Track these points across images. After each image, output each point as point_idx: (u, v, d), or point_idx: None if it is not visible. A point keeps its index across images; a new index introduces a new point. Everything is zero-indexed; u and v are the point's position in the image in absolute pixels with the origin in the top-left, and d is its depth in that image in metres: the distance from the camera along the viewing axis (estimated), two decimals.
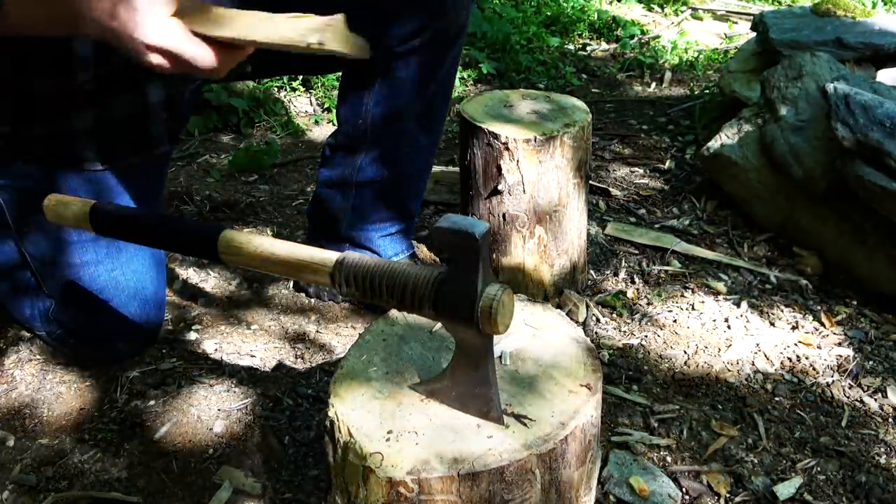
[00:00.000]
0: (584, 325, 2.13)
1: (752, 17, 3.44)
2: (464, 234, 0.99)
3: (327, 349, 2.02)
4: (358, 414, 1.12)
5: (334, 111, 3.55)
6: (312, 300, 2.21)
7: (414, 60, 1.92)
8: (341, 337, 2.06)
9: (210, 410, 1.80)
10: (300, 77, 3.71)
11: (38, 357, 1.95)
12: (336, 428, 1.10)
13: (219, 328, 2.09)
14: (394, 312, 1.34)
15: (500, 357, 1.23)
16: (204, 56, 1.17)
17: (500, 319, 1.03)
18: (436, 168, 3.02)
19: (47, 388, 1.86)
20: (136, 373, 1.90)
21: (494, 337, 1.08)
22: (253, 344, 2.03)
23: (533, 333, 1.30)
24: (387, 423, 1.11)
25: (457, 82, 3.93)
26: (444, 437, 1.09)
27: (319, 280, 1.14)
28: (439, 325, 1.30)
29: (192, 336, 2.05)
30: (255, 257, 1.17)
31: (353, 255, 1.12)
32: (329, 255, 1.13)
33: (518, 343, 1.27)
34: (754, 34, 3.40)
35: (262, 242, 1.18)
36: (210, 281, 2.29)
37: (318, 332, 2.09)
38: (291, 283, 2.27)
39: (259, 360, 1.98)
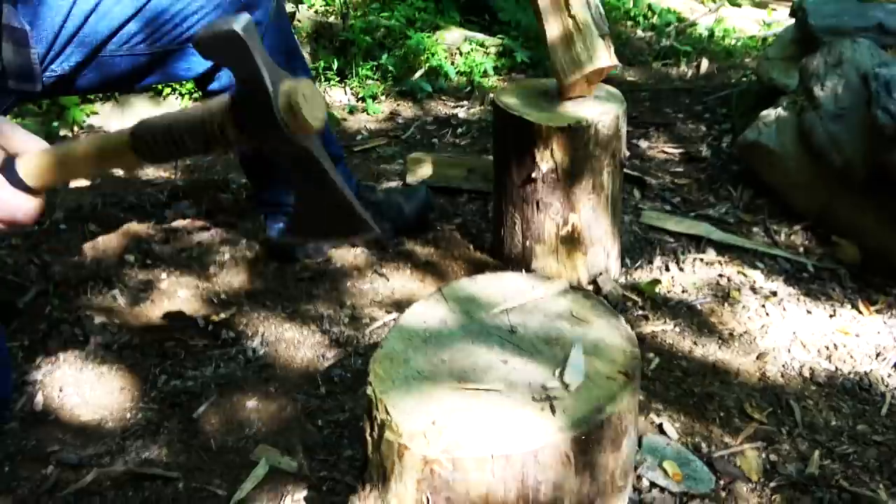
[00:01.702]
0: (619, 312, 2.13)
1: (791, 4, 3.39)
2: (222, 33, 0.90)
3: (363, 333, 2.04)
4: (396, 393, 1.13)
5: (369, 101, 3.58)
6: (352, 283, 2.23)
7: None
8: (377, 321, 2.08)
9: (246, 391, 1.84)
10: (334, 67, 3.74)
11: (81, 338, 1.99)
12: (374, 406, 1.12)
13: (255, 313, 2.12)
14: (435, 296, 1.35)
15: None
16: (27, 209, 1.06)
17: (308, 112, 0.93)
18: (468, 157, 3.02)
19: (89, 368, 1.91)
20: (176, 354, 1.94)
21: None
22: (288, 327, 2.06)
23: (575, 321, 1.31)
24: (424, 403, 1.12)
25: (491, 71, 3.94)
26: (480, 418, 1.10)
27: (128, 163, 1.06)
28: (479, 308, 1.31)
29: (229, 320, 2.08)
30: (55, 170, 1.06)
31: (145, 121, 1.02)
32: (121, 133, 1.03)
33: (560, 329, 1.28)
34: (793, 21, 3.35)
35: (56, 149, 1.07)
36: (244, 267, 2.32)
37: (353, 315, 2.11)
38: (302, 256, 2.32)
39: (294, 343, 2.01)
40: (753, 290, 2.22)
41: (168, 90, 3.49)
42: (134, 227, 2.46)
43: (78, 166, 1.07)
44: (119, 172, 2.90)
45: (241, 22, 0.89)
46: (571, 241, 2.14)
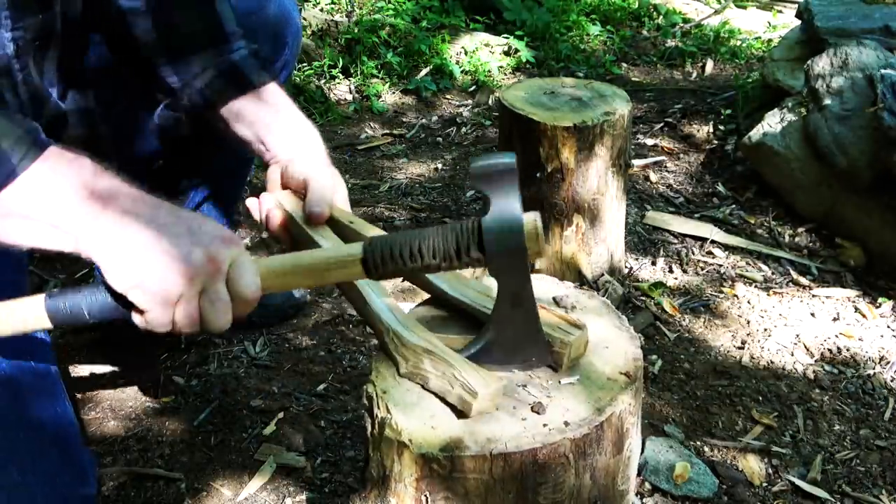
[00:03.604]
0: (622, 312, 2.13)
1: (797, 5, 3.38)
2: (500, 165, 1.01)
3: (367, 332, 2.04)
4: (396, 391, 1.13)
5: (374, 100, 3.58)
6: None
7: None
8: None
9: (249, 392, 1.84)
10: (339, 64, 3.74)
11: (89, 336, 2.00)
12: (374, 404, 1.12)
13: None
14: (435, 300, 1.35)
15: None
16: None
17: (542, 241, 1.04)
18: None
19: (90, 367, 1.90)
20: (180, 355, 1.94)
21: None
22: (291, 326, 2.06)
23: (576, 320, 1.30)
24: (424, 401, 1.12)
25: (495, 70, 3.93)
26: (479, 417, 1.10)
27: (353, 273, 1.08)
28: (482, 310, 1.31)
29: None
30: (272, 277, 1.06)
31: (376, 237, 1.08)
32: (354, 245, 1.08)
33: (563, 329, 1.27)
34: (799, 22, 3.34)
35: (273, 261, 1.07)
36: None
37: (357, 317, 2.11)
38: None
39: (297, 342, 2.01)
40: (757, 291, 2.22)
41: None
42: None
43: (302, 274, 1.09)
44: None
45: (513, 157, 1.00)
46: (575, 241, 2.13)
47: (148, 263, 0.94)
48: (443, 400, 1.11)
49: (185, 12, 1.37)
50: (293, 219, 1.27)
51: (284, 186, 1.32)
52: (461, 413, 1.07)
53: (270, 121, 1.34)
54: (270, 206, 1.28)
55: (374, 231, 1.26)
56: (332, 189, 1.28)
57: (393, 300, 1.21)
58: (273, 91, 1.36)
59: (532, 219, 1.02)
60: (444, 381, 1.09)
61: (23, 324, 1.04)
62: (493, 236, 1.03)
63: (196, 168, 1.82)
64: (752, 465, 1.65)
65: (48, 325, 1.03)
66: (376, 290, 1.20)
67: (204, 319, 0.99)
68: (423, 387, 1.12)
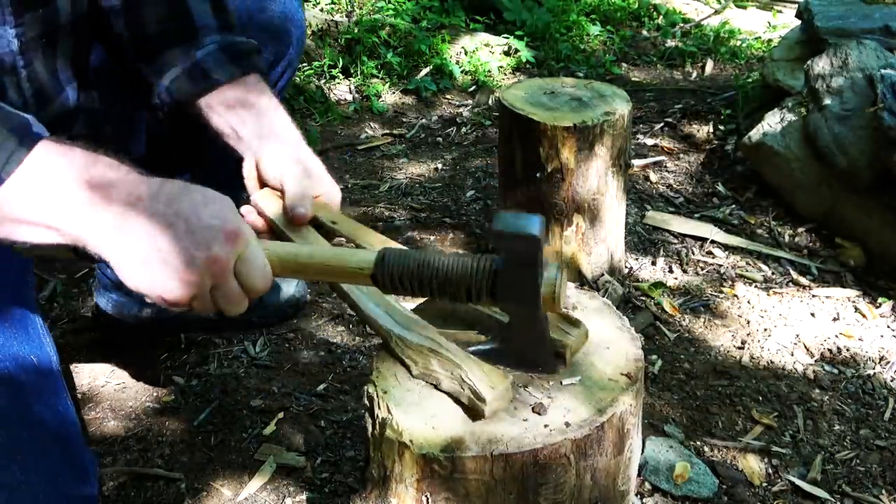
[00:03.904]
0: (622, 313, 2.13)
1: (797, 5, 3.38)
2: (523, 237, 0.98)
3: (367, 332, 2.04)
4: (397, 391, 1.13)
5: (374, 100, 3.58)
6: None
7: None
8: None
9: (250, 392, 1.84)
10: (339, 64, 3.74)
11: (81, 335, 2.00)
12: (375, 404, 1.12)
13: None
14: None
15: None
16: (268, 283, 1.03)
17: (561, 300, 1.03)
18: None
19: (90, 367, 1.90)
20: (180, 355, 1.94)
21: None
22: (291, 326, 2.06)
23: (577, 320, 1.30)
24: (425, 401, 1.12)
25: (495, 70, 3.93)
26: (494, 417, 1.10)
27: (362, 283, 1.08)
28: (482, 307, 1.31)
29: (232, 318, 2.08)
30: (287, 265, 1.07)
31: (392, 252, 1.06)
32: (367, 256, 1.06)
33: (563, 330, 1.27)
34: (799, 22, 3.34)
35: (290, 249, 1.09)
36: None
37: (357, 317, 2.11)
38: None
39: (297, 342, 2.01)
40: (757, 291, 2.22)
41: None
42: None
43: (311, 271, 1.09)
44: None
45: (538, 226, 0.97)
46: (575, 241, 2.13)
47: (151, 274, 0.93)
48: (457, 401, 1.10)
49: (153, 8, 1.34)
50: (276, 224, 1.24)
51: (262, 183, 1.30)
52: (475, 415, 1.07)
53: (243, 112, 1.31)
54: (250, 216, 1.25)
55: (360, 231, 1.24)
56: (311, 186, 1.25)
57: (388, 299, 1.20)
58: (251, 82, 1.33)
59: (552, 278, 1.01)
60: (455, 383, 1.09)
61: None
62: (506, 292, 1.03)
63: (188, 164, 1.81)
64: (752, 465, 1.65)
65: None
66: (367, 294, 1.19)
67: (220, 309, 0.99)
68: (436, 387, 1.12)
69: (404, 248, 1.10)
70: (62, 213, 0.92)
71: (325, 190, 1.28)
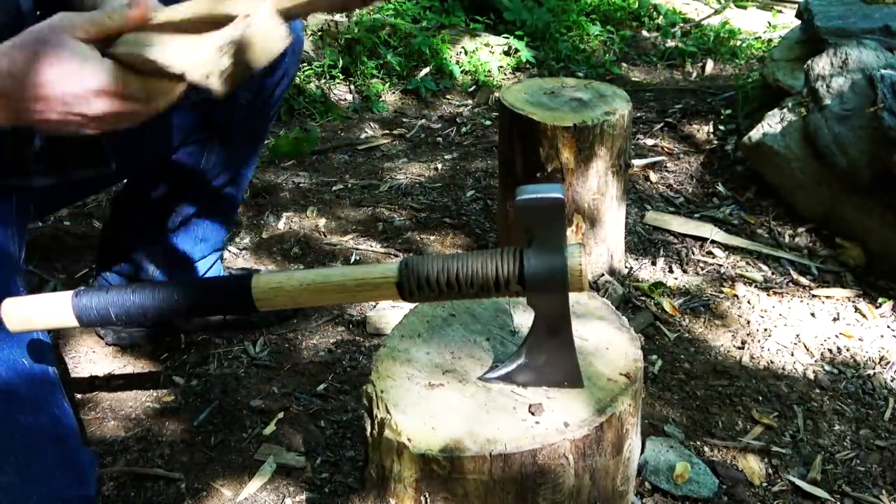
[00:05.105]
0: (622, 313, 2.13)
1: (797, 5, 3.38)
2: (548, 200, 0.99)
3: (366, 333, 2.04)
4: (396, 391, 1.13)
5: (374, 100, 3.58)
6: None
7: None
8: (382, 324, 2.08)
9: (250, 392, 1.84)
10: (339, 65, 3.74)
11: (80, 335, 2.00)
12: (374, 404, 1.12)
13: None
14: None
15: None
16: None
17: (586, 277, 1.03)
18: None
19: (90, 366, 1.91)
20: (180, 355, 1.94)
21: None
22: (292, 328, 2.06)
23: (577, 320, 1.30)
24: (424, 401, 1.12)
25: (495, 70, 3.93)
26: (479, 418, 1.10)
27: (385, 295, 1.04)
28: (483, 309, 1.31)
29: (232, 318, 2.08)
30: (300, 293, 1.03)
31: (412, 258, 1.04)
32: (389, 266, 1.04)
33: None
34: (799, 22, 3.34)
35: (304, 275, 1.04)
36: (247, 265, 2.32)
37: (357, 314, 2.11)
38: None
39: (297, 342, 2.01)
40: (757, 291, 2.22)
41: None
42: None
43: (330, 294, 1.05)
44: None
45: (561, 189, 0.99)
46: (575, 242, 2.13)
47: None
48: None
49: None
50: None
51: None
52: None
53: None
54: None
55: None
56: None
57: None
58: None
59: (577, 255, 1.01)
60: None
61: (49, 321, 1.03)
62: (535, 273, 1.02)
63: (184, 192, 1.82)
64: (752, 465, 1.65)
65: (74, 323, 1.02)
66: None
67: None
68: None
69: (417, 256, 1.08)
70: None
71: None
